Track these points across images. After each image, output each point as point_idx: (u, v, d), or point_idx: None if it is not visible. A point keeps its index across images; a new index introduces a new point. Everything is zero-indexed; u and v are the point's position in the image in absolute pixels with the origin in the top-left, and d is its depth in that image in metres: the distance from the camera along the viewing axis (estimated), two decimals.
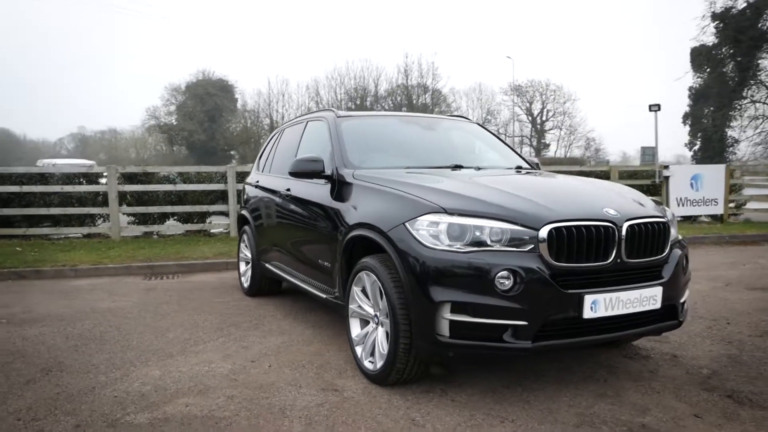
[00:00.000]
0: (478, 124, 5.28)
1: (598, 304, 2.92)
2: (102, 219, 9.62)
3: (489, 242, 2.94)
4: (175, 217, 10.02)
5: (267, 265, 5.42)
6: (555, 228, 2.91)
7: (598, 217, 3.02)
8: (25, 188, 8.76)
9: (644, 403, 3.10)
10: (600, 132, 66.61)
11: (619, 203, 3.24)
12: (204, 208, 9.66)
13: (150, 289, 6.39)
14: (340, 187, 3.99)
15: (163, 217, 9.99)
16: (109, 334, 4.53)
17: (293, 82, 77.45)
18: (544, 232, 2.90)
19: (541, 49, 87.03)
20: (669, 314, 3.28)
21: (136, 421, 2.94)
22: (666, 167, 11.73)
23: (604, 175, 11.60)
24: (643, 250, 3.12)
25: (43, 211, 8.90)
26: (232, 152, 68.18)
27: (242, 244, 6.15)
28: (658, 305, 3.11)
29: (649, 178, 11.78)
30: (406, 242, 3.07)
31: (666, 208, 3.68)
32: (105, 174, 9.16)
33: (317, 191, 4.24)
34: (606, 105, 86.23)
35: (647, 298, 3.07)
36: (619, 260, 3.03)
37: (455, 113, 36.92)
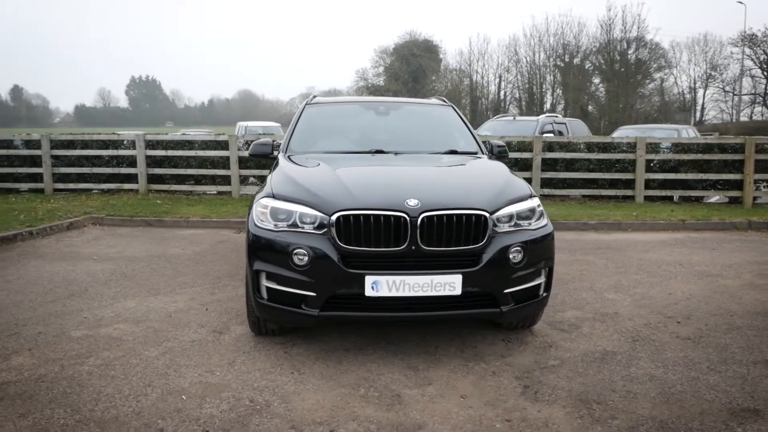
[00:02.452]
0: (452, 108, 5.44)
1: (380, 285, 3.29)
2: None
3: (300, 224, 3.47)
4: None
5: None
6: (343, 215, 3.33)
7: (393, 208, 3.34)
8: (170, 152, 10.91)
9: (438, 379, 3.39)
10: None
11: (433, 195, 3.48)
12: None
13: (222, 242, 7.78)
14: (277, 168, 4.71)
15: None
16: (141, 274, 5.92)
17: (494, 40, 76.23)
18: (333, 219, 3.34)
19: None
20: (485, 302, 3.46)
21: (73, 334, 4.13)
22: None
23: (740, 148, 10.22)
24: (445, 240, 3.35)
25: (182, 171, 11.01)
26: None
27: None
28: (456, 292, 3.34)
29: None
30: (249, 219, 3.73)
31: (531, 199, 3.73)
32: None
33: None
34: None
35: (442, 284, 3.32)
36: (413, 247, 3.32)
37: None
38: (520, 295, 3.58)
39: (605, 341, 4.03)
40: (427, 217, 3.33)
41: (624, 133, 13.94)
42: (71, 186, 11.24)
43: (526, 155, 10.64)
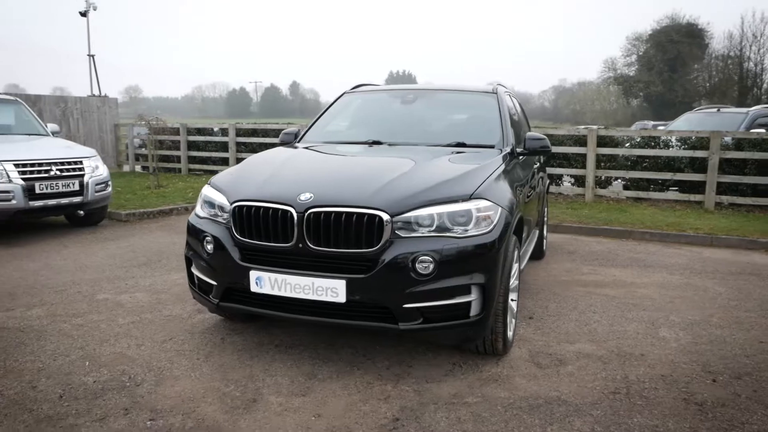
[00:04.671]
0: (495, 97, 4.69)
1: (263, 281, 3.12)
2: None
3: (219, 213, 3.46)
4: None
5: None
6: (238, 206, 3.22)
7: (283, 201, 3.12)
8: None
9: (320, 392, 3.09)
10: None
11: (331, 190, 3.17)
12: None
13: None
14: None
15: None
16: None
17: None
18: (231, 208, 3.26)
19: None
20: (378, 315, 3.05)
21: (97, 297, 4.74)
22: None
23: None
24: (333, 240, 3.02)
25: None
26: (693, 105, 62.71)
27: None
28: (340, 299, 3.00)
29: None
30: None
31: (471, 201, 3.13)
32: None
33: None
34: None
35: (323, 288, 3.02)
36: (301, 245, 3.07)
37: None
38: (432, 313, 3.04)
39: (573, 388, 3.19)
40: (314, 213, 3.04)
41: None
42: None
43: (699, 154, 8.80)
